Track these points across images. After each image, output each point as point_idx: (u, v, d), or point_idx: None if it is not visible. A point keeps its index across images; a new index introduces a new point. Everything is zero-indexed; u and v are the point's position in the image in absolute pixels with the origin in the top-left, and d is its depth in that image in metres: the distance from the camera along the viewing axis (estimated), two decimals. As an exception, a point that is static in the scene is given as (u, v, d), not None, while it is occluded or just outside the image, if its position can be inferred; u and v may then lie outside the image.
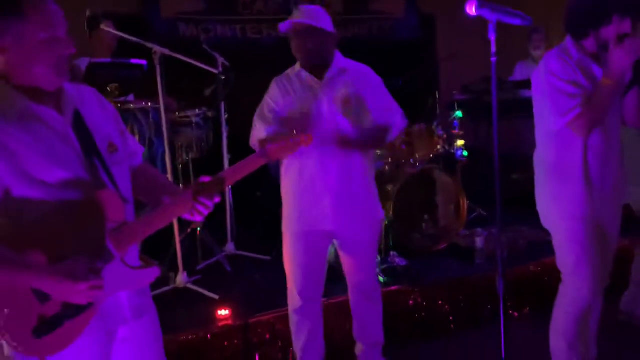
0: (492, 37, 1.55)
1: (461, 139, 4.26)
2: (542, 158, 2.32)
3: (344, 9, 5.67)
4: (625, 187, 2.31)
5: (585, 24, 2.08)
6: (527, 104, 5.10)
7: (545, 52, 5.28)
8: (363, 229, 2.45)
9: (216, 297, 3.11)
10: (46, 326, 1.32)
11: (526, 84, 4.93)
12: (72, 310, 1.35)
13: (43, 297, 1.32)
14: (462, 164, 4.28)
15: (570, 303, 2.31)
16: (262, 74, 2.68)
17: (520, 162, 5.58)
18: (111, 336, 1.49)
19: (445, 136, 4.04)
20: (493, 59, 1.55)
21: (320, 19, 2.28)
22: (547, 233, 3.75)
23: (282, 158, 1.67)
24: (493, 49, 1.55)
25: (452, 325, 3.23)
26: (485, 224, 3.96)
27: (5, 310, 1.27)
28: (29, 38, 1.32)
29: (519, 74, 5.31)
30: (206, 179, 1.53)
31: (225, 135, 3.81)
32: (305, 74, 2.36)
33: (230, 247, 3.87)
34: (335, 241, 2.51)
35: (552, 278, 3.44)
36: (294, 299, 2.53)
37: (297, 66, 2.40)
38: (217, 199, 1.53)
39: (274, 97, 2.39)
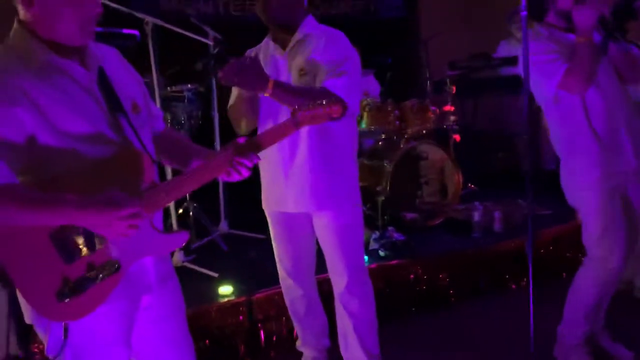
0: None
1: (452, 115, 4.26)
2: (556, 136, 2.33)
3: (328, -14, 5.59)
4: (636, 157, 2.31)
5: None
6: (513, 81, 5.18)
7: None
8: (336, 212, 2.20)
9: (215, 274, 3.05)
10: (70, 289, 1.25)
11: (510, 60, 4.99)
12: (99, 272, 1.28)
13: (69, 255, 1.24)
14: (454, 140, 4.29)
15: (590, 279, 2.30)
16: (244, 50, 2.59)
17: (505, 140, 5.66)
18: (135, 304, 1.42)
19: (437, 112, 4.02)
20: (523, 14, 1.51)
21: None
22: (543, 207, 3.86)
23: (314, 124, 1.59)
24: (523, 3, 1.51)
25: (452, 298, 3.25)
26: (477, 199, 3.98)
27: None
28: None
29: (502, 53, 5.33)
30: (242, 140, 1.46)
31: (216, 111, 3.72)
32: (271, 45, 2.16)
33: (223, 226, 3.80)
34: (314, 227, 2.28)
35: (548, 251, 3.53)
36: (282, 278, 2.45)
37: (268, 35, 2.21)
38: (256, 160, 1.47)
39: None
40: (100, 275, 1.27)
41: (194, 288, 2.92)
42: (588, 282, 2.31)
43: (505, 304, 3.23)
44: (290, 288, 2.44)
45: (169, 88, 3.47)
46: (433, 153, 3.77)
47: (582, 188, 2.27)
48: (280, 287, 2.79)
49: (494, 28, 5.71)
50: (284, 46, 2.15)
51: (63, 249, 1.24)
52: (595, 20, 2.02)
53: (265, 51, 2.20)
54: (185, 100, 3.49)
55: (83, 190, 1.24)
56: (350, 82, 2.05)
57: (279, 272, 2.45)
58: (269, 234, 2.42)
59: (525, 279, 3.43)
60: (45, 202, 1.21)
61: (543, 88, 2.18)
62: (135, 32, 3.08)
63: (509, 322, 2.99)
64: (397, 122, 3.78)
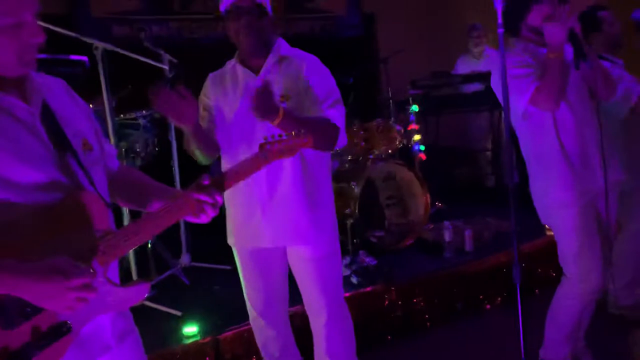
0: (499, 6, 1.44)
1: (417, 133, 4.21)
2: (525, 151, 2.30)
3: (286, 7, 5.53)
4: (618, 168, 2.29)
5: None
6: (472, 98, 5.21)
7: (485, 47, 5.42)
8: (316, 245, 2.08)
9: (179, 313, 2.86)
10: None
11: (472, 78, 5.03)
12: (45, 339, 1.10)
13: (7, 321, 1.06)
14: (420, 159, 4.24)
15: (569, 299, 2.26)
16: (201, 75, 2.45)
17: (466, 156, 5.68)
18: (89, 366, 1.24)
19: (402, 131, 3.97)
20: (500, 30, 1.45)
21: None
22: (515, 222, 3.82)
23: (283, 158, 1.48)
24: (500, 20, 1.45)
25: (428, 323, 3.15)
26: (445, 217, 3.92)
27: None
28: None
29: (460, 68, 5.38)
30: (206, 180, 1.32)
31: (173, 138, 3.55)
32: (240, 69, 2.05)
33: (185, 259, 3.59)
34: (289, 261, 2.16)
35: (522, 267, 3.48)
36: (253, 315, 2.27)
37: (234, 59, 2.10)
38: (220, 200, 1.34)
39: (205, 92, 2.10)
40: (47, 341, 1.09)
41: (156, 329, 2.72)
42: (567, 302, 2.27)
43: (482, 325, 3.16)
44: (263, 329, 2.26)
45: (122, 115, 3.28)
46: (400, 173, 3.70)
47: (556, 206, 2.23)
48: (248, 324, 2.64)
49: (451, 45, 5.81)
50: (256, 70, 2.03)
51: (1, 313, 1.06)
52: (565, 36, 2.01)
53: (233, 76, 2.08)
54: (140, 128, 3.30)
55: (24, 247, 1.07)
56: (343, 110, 2.03)
57: (250, 312, 2.27)
58: (234, 264, 2.26)
59: (499, 298, 3.38)
60: None
61: (514, 103, 2.13)
62: (84, 58, 2.90)
63: (488, 343, 2.91)
64: (363, 143, 3.69)
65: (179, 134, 3.59)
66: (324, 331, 2.14)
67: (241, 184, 1.90)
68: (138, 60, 3.35)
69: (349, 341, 2.20)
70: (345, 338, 2.18)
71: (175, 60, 3.45)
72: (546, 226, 3.58)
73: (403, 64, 4.95)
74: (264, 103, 1.82)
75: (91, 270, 1.13)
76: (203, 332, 2.66)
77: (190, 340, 2.59)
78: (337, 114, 2.00)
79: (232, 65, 2.10)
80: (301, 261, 2.11)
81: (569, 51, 2.11)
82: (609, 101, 2.26)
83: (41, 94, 1.21)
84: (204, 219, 1.34)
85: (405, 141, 4.05)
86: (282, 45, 2.08)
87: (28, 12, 1.12)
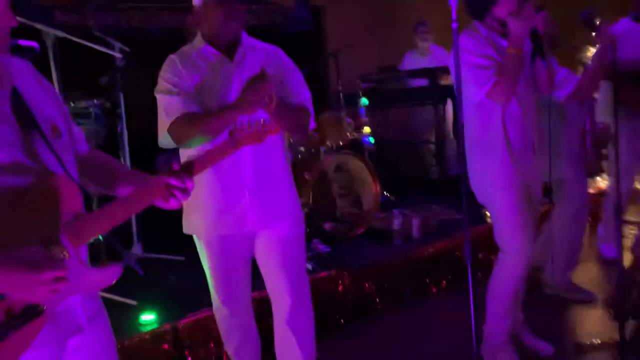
0: (453, 3, 1.56)
1: (366, 126, 4.35)
2: (469, 135, 2.42)
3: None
4: (544, 153, 2.49)
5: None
6: (417, 93, 5.40)
7: (431, 44, 5.62)
8: (286, 227, 2.16)
9: (134, 302, 2.85)
10: (-13, 339, 1.07)
11: (418, 72, 5.22)
12: (20, 319, 1.11)
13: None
14: (370, 150, 4.38)
15: (509, 271, 2.42)
16: (149, 64, 2.42)
17: (411, 148, 5.89)
18: (62, 346, 1.26)
19: (353, 124, 4.09)
20: (454, 25, 1.56)
21: None
22: (457, 211, 4.03)
23: (252, 144, 1.53)
24: (454, 15, 1.56)
25: (379, 306, 3.28)
26: (393, 206, 4.08)
27: None
28: None
29: (407, 64, 5.56)
30: (176, 165, 1.35)
31: (124, 128, 3.52)
32: (211, 51, 2.04)
33: (137, 250, 3.57)
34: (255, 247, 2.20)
35: (463, 252, 3.66)
36: (218, 307, 2.29)
37: (199, 41, 2.08)
38: (190, 184, 1.35)
39: (174, 71, 2.03)
40: (22, 321, 1.10)
41: (113, 319, 2.69)
42: (506, 275, 2.44)
43: (429, 307, 3.33)
44: (227, 318, 2.28)
45: (72, 104, 3.22)
46: (352, 164, 3.82)
47: (495, 188, 2.39)
48: (206, 311, 2.68)
49: (398, 41, 5.99)
50: (228, 56, 2.06)
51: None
52: (528, 32, 2.15)
53: (203, 57, 2.06)
54: (92, 117, 3.25)
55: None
56: (310, 95, 2.13)
57: (215, 301, 2.28)
58: (188, 255, 2.26)
59: (444, 282, 3.56)
60: None
61: (471, 91, 2.26)
62: (34, 44, 2.82)
63: (435, 324, 3.08)
64: (315, 134, 3.78)
65: (130, 124, 3.60)
66: (289, 313, 2.18)
67: (223, 169, 1.96)
68: (87, 48, 3.30)
69: (312, 322, 2.27)
70: (309, 319, 2.25)
71: (127, 49, 3.41)
72: (485, 213, 3.80)
73: (352, 58, 5.08)
74: (261, 93, 1.83)
75: (64, 253, 1.14)
76: (160, 320, 2.68)
77: (148, 328, 2.60)
78: (308, 100, 2.13)
79: (202, 47, 2.07)
80: (276, 243, 2.14)
81: (526, 45, 2.24)
82: (549, 95, 2.46)
83: (11, 78, 1.20)
84: (174, 204, 1.34)
85: (355, 133, 4.17)
86: (246, 36, 2.13)
87: None
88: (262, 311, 2.46)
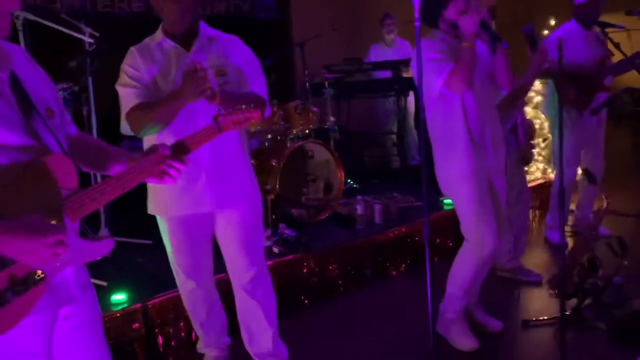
0: (416, 3, 1.69)
1: (332, 115, 4.47)
2: (433, 130, 2.59)
3: (203, -15, 5.54)
4: (504, 146, 2.67)
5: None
6: (381, 84, 5.56)
7: (396, 37, 5.78)
8: (245, 209, 2.29)
9: (104, 283, 2.91)
10: (-9, 303, 1.16)
11: (381, 65, 5.38)
12: (22, 285, 1.20)
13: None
14: (335, 139, 4.51)
15: (471, 258, 2.58)
16: (117, 49, 2.45)
17: (374, 138, 6.06)
18: (55, 314, 1.35)
19: (319, 113, 4.21)
20: (417, 24, 1.69)
21: None
22: (416, 199, 4.22)
23: (234, 129, 1.64)
24: (417, 14, 1.69)
25: (341, 288, 3.44)
26: (357, 193, 4.24)
27: None
28: None
29: (373, 56, 5.71)
30: (166, 150, 1.46)
31: (93, 112, 3.54)
32: (169, 43, 2.16)
33: (105, 233, 3.61)
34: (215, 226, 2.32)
35: (421, 237, 3.85)
36: (182, 282, 2.42)
37: (158, 34, 2.19)
38: (186, 162, 1.48)
39: (133, 64, 2.15)
40: (23, 287, 1.20)
41: (83, 299, 2.77)
42: (468, 262, 2.60)
43: (389, 288, 3.51)
44: (192, 291, 2.42)
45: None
46: (318, 152, 3.95)
47: (458, 179, 2.55)
48: (176, 291, 2.77)
49: (363, 33, 6.13)
50: (185, 47, 2.16)
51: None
52: (477, 26, 2.33)
53: (162, 50, 2.18)
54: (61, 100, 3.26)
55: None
56: (266, 83, 2.24)
57: (179, 277, 2.41)
58: (155, 239, 2.35)
59: (403, 265, 3.75)
60: None
61: (430, 84, 2.43)
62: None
63: (394, 304, 3.26)
64: (282, 122, 3.89)
65: (99, 107, 3.62)
66: (250, 285, 2.33)
67: None
68: (55, 30, 3.30)
69: (272, 294, 2.42)
70: (269, 290, 2.41)
71: (96, 34, 3.43)
72: (442, 201, 4.01)
73: (318, 49, 5.19)
74: (197, 85, 1.93)
75: (62, 226, 1.24)
76: (131, 300, 2.75)
77: (119, 308, 2.68)
78: (263, 88, 2.25)
79: (160, 40, 2.18)
80: (235, 223, 2.28)
81: (480, 46, 2.43)
82: (506, 89, 2.63)
83: (9, 62, 1.28)
84: (169, 180, 1.47)
85: (320, 122, 4.30)
86: (205, 26, 2.23)
87: None
88: (227, 292, 2.57)
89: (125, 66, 2.17)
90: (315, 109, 4.12)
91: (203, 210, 2.23)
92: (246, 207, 2.29)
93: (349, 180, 4.64)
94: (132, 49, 2.20)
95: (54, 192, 1.25)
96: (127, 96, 2.13)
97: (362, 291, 3.45)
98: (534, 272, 3.46)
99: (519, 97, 3.03)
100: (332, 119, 4.47)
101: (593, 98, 3.77)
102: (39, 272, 1.23)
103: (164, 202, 2.27)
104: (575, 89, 3.70)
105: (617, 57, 3.65)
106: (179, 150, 1.48)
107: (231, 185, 2.23)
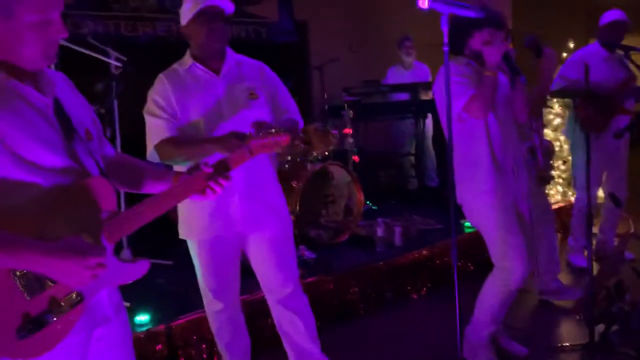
0: (445, 29, 1.71)
1: (351, 137, 4.50)
2: (457, 156, 2.56)
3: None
4: (525, 171, 2.66)
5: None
6: (399, 107, 5.58)
7: (414, 59, 5.81)
8: (276, 228, 2.31)
9: (127, 304, 2.92)
10: (32, 325, 1.17)
11: (399, 87, 5.41)
12: (60, 308, 1.22)
13: (30, 289, 1.17)
14: (353, 161, 4.53)
15: (500, 286, 2.55)
16: (140, 72, 2.48)
17: (391, 160, 6.07)
18: (90, 335, 1.36)
19: (338, 135, 4.24)
20: (445, 49, 1.72)
21: (227, 1, 2.17)
22: (436, 221, 4.20)
23: (266, 152, 1.66)
24: (445, 39, 1.71)
25: (361, 311, 3.41)
26: (376, 215, 4.23)
27: None
28: (18, 18, 1.20)
29: (391, 78, 5.75)
30: (208, 169, 1.50)
31: (117, 133, 3.59)
32: (199, 68, 2.19)
33: (126, 254, 3.64)
34: (247, 247, 2.33)
35: (442, 261, 3.83)
36: (210, 302, 2.42)
37: (187, 60, 2.23)
38: (226, 181, 1.53)
39: (162, 93, 2.17)
40: (63, 309, 1.21)
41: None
42: (495, 289, 2.57)
43: (409, 312, 3.47)
44: (219, 312, 2.41)
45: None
46: (338, 173, 3.96)
47: (483, 206, 2.54)
48: (199, 312, 2.78)
49: (380, 56, 6.18)
50: (215, 71, 2.21)
51: (24, 283, 1.17)
52: (500, 57, 2.35)
53: (192, 75, 2.21)
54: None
55: (41, 225, 1.18)
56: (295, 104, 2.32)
57: (206, 297, 2.41)
58: (177, 259, 2.36)
59: (424, 289, 3.71)
60: (6, 243, 1.14)
61: (452, 106, 2.43)
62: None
63: (416, 329, 3.22)
64: (302, 145, 3.91)
65: (124, 129, 3.67)
66: (290, 299, 2.35)
67: None
68: (82, 54, 3.38)
69: (309, 307, 2.44)
70: (307, 305, 2.44)
71: (122, 57, 3.50)
72: (463, 224, 3.98)
73: (336, 71, 5.25)
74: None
75: (102, 248, 1.26)
76: (154, 321, 2.76)
77: (143, 329, 2.68)
78: (297, 111, 2.35)
79: (190, 65, 2.21)
80: (268, 243, 2.29)
81: (502, 76, 2.46)
82: (522, 122, 2.65)
83: (52, 87, 1.32)
84: (211, 196, 1.51)
85: (340, 144, 4.32)
86: (231, 51, 2.28)
87: (56, 10, 1.24)
88: (251, 314, 2.57)
89: (153, 95, 2.19)
90: (334, 131, 4.15)
91: (234, 231, 2.25)
92: (277, 227, 2.31)
93: (367, 202, 4.63)
94: (160, 76, 2.22)
95: (95, 214, 1.27)
96: (157, 127, 2.16)
97: (382, 314, 3.42)
98: (574, 289, 3.39)
99: (538, 105, 3.02)
100: (350, 140, 4.48)
101: (611, 120, 3.76)
102: (78, 293, 1.25)
103: (196, 225, 2.28)
104: (593, 110, 3.69)
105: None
106: (221, 168, 1.51)
107: (262, 206, 2.26)
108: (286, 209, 2.39)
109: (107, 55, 3.40)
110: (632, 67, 3.70)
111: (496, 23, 2.46)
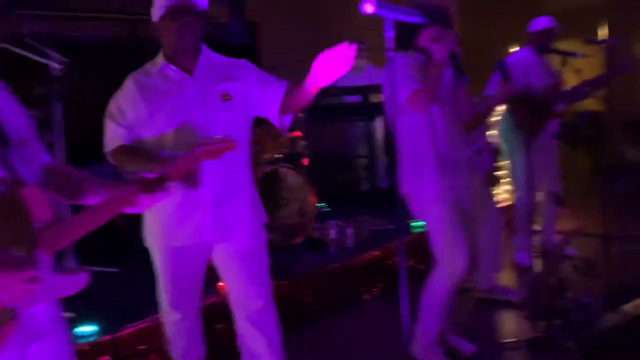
0: (389, 34, 1.73)
1: (302, 140, 4.49)
2: (402, 149, 2.60)
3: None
4: (466, 167, 2.73)
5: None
6: (351, 109, 5.62)
7: (367, 62, 5.88)
8: (247, 239, 2.19)
9: (72, 314, 2.81)
10: (-41, 345, 1.11)
11: (351, 90, 5.45)
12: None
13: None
14: (304, 163, 4.52)
15: (443, 281, 2.61)
16: (82, 75, 2.37)
17: (344, 162, 6.11)
18: (24, 351, 1.30)
19: (289, 137, 4.23)
20: (391, 54, 1.73)
21: None
22: (387, 221, 4.25)
23: (213, 159, 1.62)
24: (391, 45, 1.73)
25: (314, 313, 3.41)
26: (329, 217, 4.25)
27: None
28: None
29: (342, 81, 5.77)
30: (149, 176, 1.45)
31: (62, 140, 3.46)
32: (171, 68, 2.10)
33: (71, 262, 3.51)
34: (215, 258, 2.24)
35: (393, 261, 3.88)
36: (167, 312, 2.32)
37: (159, 59, 2.13)
38: (166, 192, 1.48)
39: (126, 97, 2.11)
40: (-7, 324, 1.15)
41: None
42: (440, 284, 2.63)
43: (362, 313, 3.50)
44: (177, 322, 2.31)
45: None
46: (290, 176, 3.95)
47: (428, 202, 2.60)
48: (146, 322, 2.72)
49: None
50: (187, 71, 2.10)
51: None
52: (447, 54, 2.42)
53: (162, 75, 2.12)
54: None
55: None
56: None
57: (164, 307, 2.30)
58: (123, 267, 2.27)
59: (376, 289, 3.75)
60: None
61: (397, 96, 2.48)
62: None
63: (368, 329, 3.25)
64: (254, 147, 3.87)
65: (67, 134, 3.54)
66: (260, 314, 2.23)
67: (179, 184, 1.95)
68: (19, 56, 3.24)
69: (278, 325, 2.32)
70: (277, 321, 2.31)
71: (63, 59, 3.37)
72: (411, 224, 4.05)
73: (288, 74, 5.22)
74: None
75: (35, 261, 1.21)
76: (99, 332, 2.67)
77: (87, 340, 2.59)
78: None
79: (161, 65, 2.12)
80: (240, 255, 2.19)
81: (447, 76, 2.52)
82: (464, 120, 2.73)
83: None
84: (146, 207, 1.46)
85: (291, 146, 4.31)
86: (207, 50, 2.17)
87: None
88: (208, 318, 2.52)
89: (118, 97, 2.13)
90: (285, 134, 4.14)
91: (199, 241, 2.15)
92: (248, 239, 2.20)
93: (320, 204, 4.64)
94: (129, 77, 2.15)
95: (28, 225, 1.21)
96: (112, 132, 2.11)
97: (335, 316, 3.43)
98: (512, 290, 3.50)
99: (481, 120, 3.11)
100: (302, 143, 4.48)
101: (545, 123, 3.93)
102: (10, 310, 1.19)
103: (161, 233, 2.18)
104: (529, 115, 3.82)
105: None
106: (160, 180, 1.47)
107: (232, 216, 2.14)
108: (259, 220, 2.27)
109: (47, 57, 3.26)
110: (569, 70, 3.85)
111: (444, 21, 2.53)
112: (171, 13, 2.04)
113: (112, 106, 2.13)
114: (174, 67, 2.11)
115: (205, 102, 2.09)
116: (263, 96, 2.13)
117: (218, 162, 1.94)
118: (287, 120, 2.16)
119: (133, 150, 2.09)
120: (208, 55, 2.17)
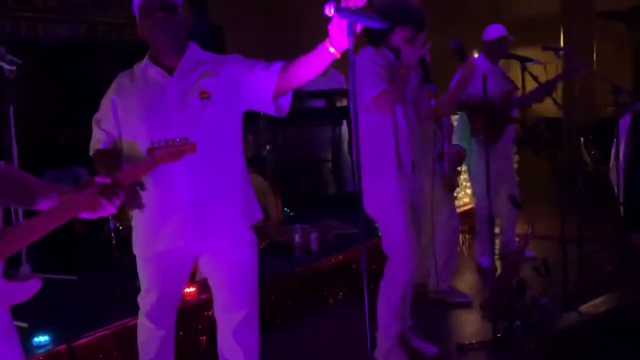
0: (350, 39, 1.73)
1: (267, 143, 4.48)
2: (364, 148, 2.59)
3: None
4: (422, 170, 2.80)
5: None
6: (316, 113, 5.63)
7: (331, 66, 5.90)
8: (231, 247, 2.10)
9: (25, 324, 2.72)
10: None
11: (316, 94, 5.46)
12: None
13: None
14: (271, 167, 4.51)
15: (395, 278, 2.66)
16: (39, 77, 2.31)
17: (310, 166, 6.11)
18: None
19: (254, 141, 4.20)
20: (352, 57, 1.72)
21: None
22: (353, 225, 4.26)
23: (171, 162, 1.58)
24: (351, 48, 1.73)
25: (278, 319, 3.39)
26: (294, 221, 4.24)
27: None
28: None
29: (307, 85, 5.78)
30: (105, 179, 1.40)
31: (14, 141, 3.35)
32: (152, 68, 2.03)
33: (25, 270, 3.39)
34: (202, 266, 2.16)
35: (358, 265, 3.89)
36: (142, 318, 2.22)
37: (145, 59, 2.07)
38: (122, 197, 1.43)
39: (108, 98, 2.08)
40: None
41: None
42: (394, 281, 2.67)
43: (327, 317, 3.50)
44: (150, 330, 2.22)
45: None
46: (254, 180, 3.89)
47: (388, 201, 2.63)
48: (104, 331, 2.66)
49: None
50: (169, 70, 2.02)
51: None
52: (418, 58, 2.44)
53: (145, 76, 2.05)
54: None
55: None
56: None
57: (141, 313, 2.22)
58: (82, 274, 2.19)
59: (341, 293, 3.75)
60: None
61: (362, 93, 2.49)
62: None
63: (333, 333, 3.25)
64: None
65: (20, 136, 3.43)
66: (240, 328, 2.14)
67: (157, 187, 1.99)
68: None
69: (257, 337, 2.24)
70: (257, 334, 2.23)
71: (17, 60, 3.27)
72: (376, 227, 4.06)
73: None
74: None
75: None
76: (55, 341, 2.58)
77: (42, 350, 2.50)
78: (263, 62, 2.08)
79: (144, 65, 2.06)
80: (226, 264, 2.11)
81: (413, 79, 2.56)
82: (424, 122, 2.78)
83: None
84: (103, 213, 1.41)
85: (256, 150, 4.29)
86: (196, 49, 2.09)
87: None
88: (178, 324, 2.46)
89: (104, 98, 2.11)
90: (250, 137, 4.11)
91: (178, 246, 2.06)
92: (233, 246, 2.11)
93: (285, 209, 4.63)
94: (115, 81, 2.11)
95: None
96: (95, 135, 2.12)
97: (299, 320, 3.42)
98: (463, 293, 3.57)
99: (448, 108, 3.13)
100: (267, 147, 4.46)
101: (502, 129, 4.02)
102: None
103: (140, 237, 2.12)
104: (484, 121, 3.90)
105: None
106: (114, 184, 1.43)
107: (214, 223, 2.04)
108: (246, 225, 2.17)
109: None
110: (526, 77, 3.95)
111: (419, 23, 2.55)
112: (144, 10, 1.98)
113: (100, 107, 2.12)
114: (156, 67, 2.04)
115: (185, 102, 2.00)
116: (254, 86, 2.00)
117: (202, 164, 1.96)
118: (285, 101, 2.04)
119: (104, 155, 2.06)
120: (194, 54, 2.07)
